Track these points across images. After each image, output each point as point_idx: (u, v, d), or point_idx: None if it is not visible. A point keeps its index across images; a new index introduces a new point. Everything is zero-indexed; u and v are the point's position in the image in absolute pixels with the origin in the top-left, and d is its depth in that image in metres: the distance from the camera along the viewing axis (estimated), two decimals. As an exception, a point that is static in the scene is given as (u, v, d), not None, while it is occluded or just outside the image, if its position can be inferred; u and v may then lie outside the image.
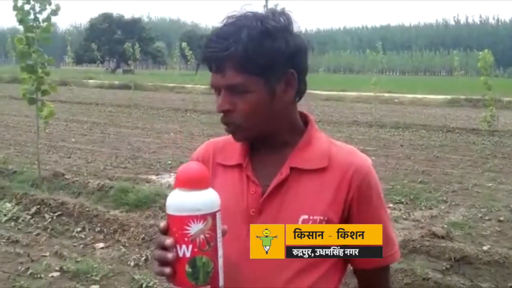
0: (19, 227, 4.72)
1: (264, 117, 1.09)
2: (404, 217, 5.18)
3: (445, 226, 4.79)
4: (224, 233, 0.94)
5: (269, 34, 1.04)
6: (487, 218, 5.18)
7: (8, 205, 5.18)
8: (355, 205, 1.10)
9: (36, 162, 6.16)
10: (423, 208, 5.51)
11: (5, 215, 4.95)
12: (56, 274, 3.71)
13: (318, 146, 1.13)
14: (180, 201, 0.90)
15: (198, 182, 0.91)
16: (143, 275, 3.68)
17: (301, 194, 1.09)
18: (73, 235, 4.55)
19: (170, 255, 0.90)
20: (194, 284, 0.90)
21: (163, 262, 0.91)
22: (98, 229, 4.63)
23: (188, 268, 0.89)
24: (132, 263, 3.95)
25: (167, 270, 0.90)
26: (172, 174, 6.93)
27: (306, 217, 1.07)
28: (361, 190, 1.10)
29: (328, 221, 1.08)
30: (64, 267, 3.78)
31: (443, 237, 4.33)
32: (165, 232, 0.92)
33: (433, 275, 3.60)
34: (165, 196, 5.60)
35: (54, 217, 4.89)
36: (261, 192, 1.10)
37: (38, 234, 4.54)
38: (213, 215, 0.91)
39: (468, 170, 7.51)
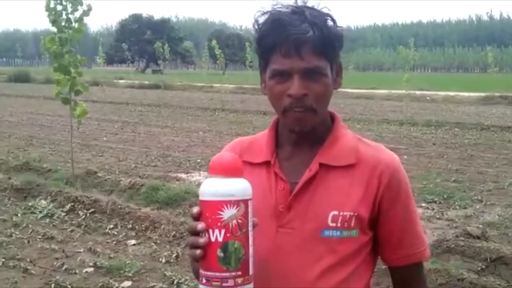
0: (54, 223, 4.84)
1: (328, 103, 1.12)
2: (438, 216, 5.07)
3: (480, 226, 4.66)
4: (254, 225, 0.95)
5: (335, 21, 1.08)
6: (524, 218, 5.02)
7: (44, 202, 5.31)
8: (385, 202, 1.10)
9: (70, 161, 6.30)
10: (457, 207, 5.39)
11: (40, 212, 5.09)
12: (90, 269, 3.78)
13: (345, 143, 1.13)
14: (214, 186, 0.92)
15: (232, 169, 0.94)
16: (175, 272, 3.72)
17: (330, 191, 1.09)
18: (106, 231, 4.63)
19: (201, 240, 0.91)
20: (225, 269, 0.90)
21: (195, 247, 0.92)
22: (130, 226, 4.70)
23: (220, 253, 0.90)
24: (163, 260, 3.99)
25: (198, 251, 0.91)
26: (201, 172, 6.98)
27: (336, 213, 1.07)
28: (391, 187, 1.10)
29: (358, 217, 1.08)
30: (98, 263, 3.85)
31: (478, 237, 4.22)
32: (197, 218, 0.93)
33: (468, 275, 3.51)
34: (195, 194, 5.67)
35: (88, 214, 4.99)
36: (289, 189, 1.10)
37: (72, 231, 4.64)
38: (245, 202, 0.92)
39: (504, 168, 7.30)
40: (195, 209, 0.94)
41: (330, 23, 1.07)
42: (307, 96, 1.05)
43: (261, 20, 1.08)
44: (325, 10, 1.08)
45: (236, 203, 0.91)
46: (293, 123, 1.08)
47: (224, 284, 0.90)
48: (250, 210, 0.93)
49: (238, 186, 0.93)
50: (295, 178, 1.10)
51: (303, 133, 1.09)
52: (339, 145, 1.12)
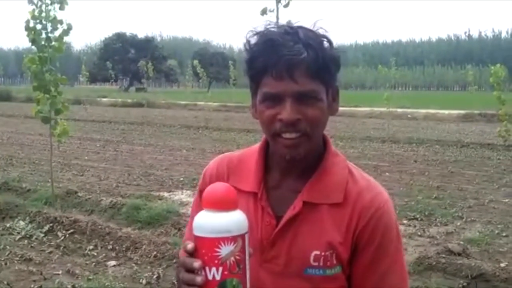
0: (32, 245, 4.73)
1: (323, 129, 1.07)
2: (419, 233, 5.09)
3: (461, 242, 4.69)
4: (250, 255, 0.92)
5: (331, 43, 1.03)
6: (504, 234, 5.07)
7: (22, 223, 5.20)
8: (361, 241, 1.06)
9: (50, 180, 6.20)
10: (439, 224, 5.42)
11: (18, 233, 4.98)
12: (68, 292, 3.70)
13: (335, 176, 1.08)
14: (210, 222, 0.88)
15: (227, 203, 0.90)
16: (155, 294, 3.66)
17: (313, 229, 1.06)
18: (86, 253, 4.54)
19: (199, 278, 0.87)
20: None
21: (191, 284, 0.89)
22: (110, 246, 4.62)
23: None
24: (144, 281, 3.92)
25: None
26: (184, 190, 6.93)
27: (317, 252, 1.05)
28: (368, 227, 1.06)
29: (338, 256, 1.05)
30: (77, 285, 3.77)
31: (459, 254, 4.24)
32: (192, 254, 0.89)
33: (450, 293, 3.52)
34: (176, 213, 5.60)
35: (67, 235, 4.89)
36: (275, 224, 1.07)
37: (51, 252, 4.54)
38: (242, 236, 0.89)
39: (484, 185, 7.39)
40: (190, 245, 0.89)
41: (326, 44, 1.02)
42: (300, 121, 1.00)
43: (253, 40, 1.02)
44: (320, 31, 1.03)
45: (234, 239, 0.88)
46: (284, 150, 1.03)
47: None
48: (247, 243, 0.90)
49: (235, 221, 0.89)
50: (281, 212, 1.07)
51: (294, 161, 1.05)
52: (327, 179, 1.07)
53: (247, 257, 0.90)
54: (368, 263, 1.06)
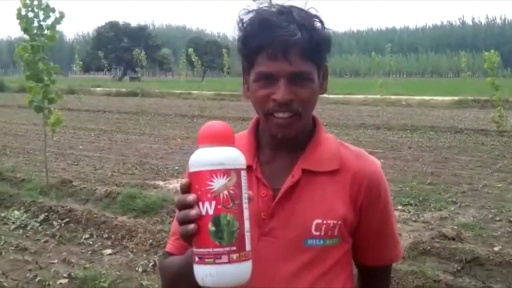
0: (27, 234, 4.73)
1: (313, 108, 1.09)
2: (414, 219, 5.13)
3: (455, 227, 4.73)
4: (249, 199, 0.88)
5: (322, 23, 1.04)
6: (497, 218, 5.11)
7: (17, 212, 5.20)
8: (365, 206, 1.09)
9: (44, 170, 6.18)
10: (433, 209, 5.46)
11: (13, 222, 4.97)
12: (64, 281, 3.70)
13: (328, 147, 1.10)
14: (203, 156, 0.86)
15: (221, 137, 0.88)
16: (151, 281, 3.67)
17: (314, 198, 1.06)
18: (81, 241, 4.55)
19: (193, 211, 0.84)
20: (218, 244, 0.83)
21: (186, 221, 0.85)
22: (106, 235, 4.62)
23: (211, 227, 0.83)
24: (140, 269, 3.93)
25: (191, 226, 0.84)
26: (179, 179, 6.92)
27: (319, 221, 1.05)
28: (371, 193, 1.09)
29: (341, 225, 1.06)
30: (72, 274, 3.77)
31: (453, 239, 4.28)
32: (186, 191, 0.87)
33: (444, 277, 3.55)
34: (172, 202, 5.62)
35: (62, 224, 4.89)
36: (272, 195, 1.06)
37: (46, 241, 4.54)
38: (237, 171, 0.86)
39: (478, 170, 7.44)
40: (184, 181, 0.88)
41: (318, 25, 1.03)
42: (293, 101, 1.01)
43: (247, 19, 1.02)
44: (312, 11, 1.04)
45: (227, 172, 0.84)
46: (276, 129, 1.04)
47: (217, 261, 0.83)
48: (243, 181, 0.86)
49: (228, 154, 0.86)
50: (277, 184, 1.06)
51: (286, 139, 1.06)
52: (321, 150, 1.09)
53: (244, 195, 0.86)
54: (378, 225, 1.12)
